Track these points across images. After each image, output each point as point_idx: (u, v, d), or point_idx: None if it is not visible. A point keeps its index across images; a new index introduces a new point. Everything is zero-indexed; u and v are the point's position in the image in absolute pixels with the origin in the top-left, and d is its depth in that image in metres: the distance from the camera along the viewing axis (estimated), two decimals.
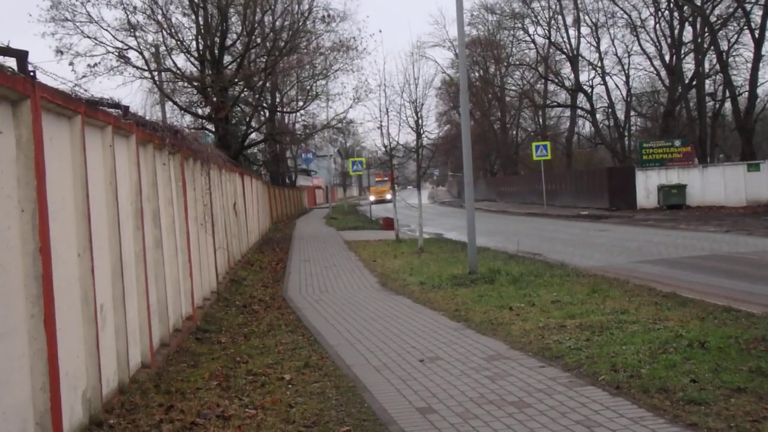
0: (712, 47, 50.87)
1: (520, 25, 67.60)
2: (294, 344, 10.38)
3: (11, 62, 5.51)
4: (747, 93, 49.55)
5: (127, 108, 9.11)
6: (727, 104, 53.00)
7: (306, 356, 9.53)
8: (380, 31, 45.28)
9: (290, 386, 8.08)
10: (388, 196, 45.11)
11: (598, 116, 64.08)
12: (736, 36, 51.47)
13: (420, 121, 27.70)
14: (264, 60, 36.13)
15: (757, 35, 46.73)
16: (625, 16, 57.58)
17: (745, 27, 48.92)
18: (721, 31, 50.79)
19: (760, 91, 50.30)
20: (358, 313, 12.73)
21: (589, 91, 63.45)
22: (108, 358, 7.32)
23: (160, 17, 33.16)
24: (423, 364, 8.85)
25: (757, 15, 47.15)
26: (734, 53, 52.03)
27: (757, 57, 47.34)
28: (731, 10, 49.63)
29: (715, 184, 42.37)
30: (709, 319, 10.35)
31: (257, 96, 39.60)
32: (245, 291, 16.10)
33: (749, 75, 49.13)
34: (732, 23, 50.73)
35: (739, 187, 41.40)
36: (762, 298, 12.49)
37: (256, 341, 10.70)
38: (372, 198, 62.87)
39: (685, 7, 51.62)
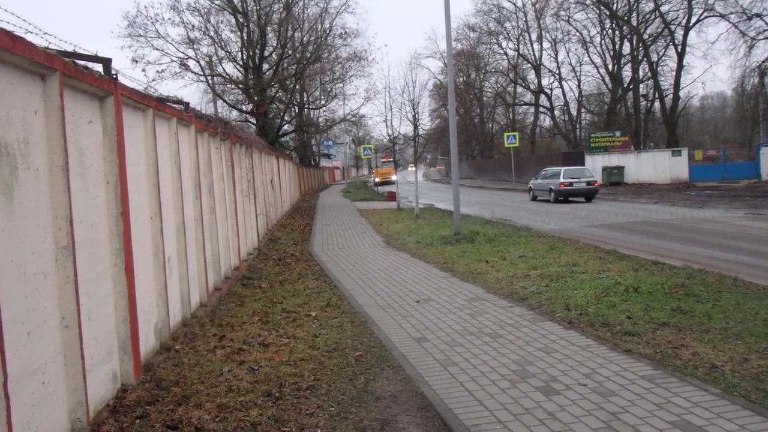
0: (645, 59, 51.84)
1: (495, 40, 67.53)
2: (318, 289, 10.40)
3: (98, 67, 5.50)
4: (672, 95, 50.39)
5: (187, 104, 9.07)
6: (657, 103, 53.39)
7: (328, 298, 9.55)
8: (386, 45, 45.63)
9: (315, 321, 8.11)
10: (394, 177, 44.65)
11: (556, 112, 64.38)
12: (663, 50, 52.14)
13: (416, 116, 27.78)
14: (294, 67, 36.13)
15: (679, 50, 48.41)
16: (578, 33, 57.88)
17: (671, 43, 50.40)
18: (652, 46, 51.66)
19: (682, 93, 51.31)
20: (368, 265, 12.74)
21: (549, 92, 64.07)
22: (174, 299, 7.36)
23: (212, 33, 33.49)
24: (419, 304, 8.87)
25: (680, 34, 48.48)
26: (662, 64, 52.56)
27: (680, 67, 48.69)
28: (660, 29, 50.57)
29: (647, 166, 42.42)
30: (642, 270, 10.39)
31: (289, 96, 39.67)
32: (280, 247, 16.13)
33: (674, 81, 50.09)
34: (660, 40, 51.43)
35: (665, 169, 41.49)
36: (681, 254, 12.51)
37: (288, 286, 10.72)
38: (377, 179, 59.89)
39: (624, 27, 52.22)
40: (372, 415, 4.97)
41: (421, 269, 11.88)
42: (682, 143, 49.29)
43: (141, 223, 6.29)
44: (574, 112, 63.72)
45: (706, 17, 46.32)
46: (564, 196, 29.94)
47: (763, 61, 41.04)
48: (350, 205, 32.86)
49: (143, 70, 31.13)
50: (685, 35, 47.93)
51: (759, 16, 40.11)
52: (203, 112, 11.39)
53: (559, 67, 62.45)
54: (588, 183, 29.88)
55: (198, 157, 9.03)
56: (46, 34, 4.73)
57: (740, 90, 47.67)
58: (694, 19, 47.29)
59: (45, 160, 4.24)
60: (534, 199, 33.10)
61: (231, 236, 11.57)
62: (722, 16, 43.51)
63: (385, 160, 54.38)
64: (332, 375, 5.92)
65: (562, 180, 29.80)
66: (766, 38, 40.10)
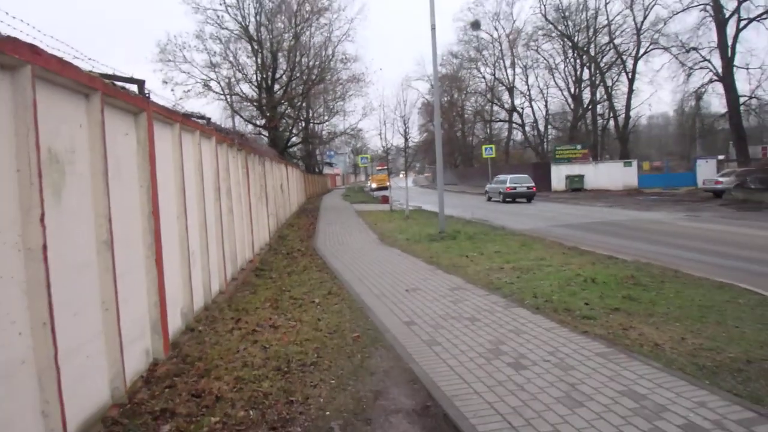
0: (601, 83, 52.84)
1: (474, 66, 67.35)
2: (321, 279, 10.38)
3: (134, 87, 5.53)
4: (624, 114, 51.18)
5: (209, 119, 9.10)
6: (611, 122, 53.92)
7: (329, 287, 9.53)
8: (381, 69, 45.64)
9: (319, 307, 8.12)
10: (388, 184, 45.41)
11: (527, 128, 64.48)
12: (617, 76, 53.21)
13: (407, 130, 27.82)
14: (301, 88, 36.19)
15: (630, 76, 49.70)
16: (545, 61, 58.26)
17: (623, 71, 51.22)
18: (607, 73, 52.86)
19: (632, 113, 52.03)
20: (364, 259, 12.74)
21: (521, 111, 64.18)
22: (197, 286, 7.39)
23: (231, 58, 33.76)
24: (408, 293, 8.87)
25: (630, 63, 49.81)
26: (616, 88, 53.44)
27: (630, 90, 50.07)
28: (614, 59, 51.64)
29: (603, 174, 42.60)
30: (598, 263, 10.43)
31: (297, 112, 39.71)
32: (288, 243, 16.10)
33: (625, 102, 50.91)
34: (614, 68, 52.60)
35: (618, 177, 41.76)
36: (631, 250, 12.55)
37: (295, 277, 10.71)
38: (374, 185, 59.94)
39: (584, 56, 53.16)
40: (367, 388, 5.01)
41: (410, 263, 11.87)
42: (633, 155, 49.71)
43: (169, 221, 6.32)
44: (542, 128, 63.91)
45: (652, 49, 47.03)
46: (511, 197, 32.82)
47: (699, 87, 41.72)
48: (349, 207, 32.79)
49: (172, 90, 31.24)
50: (635, 64, 49.10)
51: (695, 49, 40.81)
52: (223, 125, 11.41)
53: (529, 90, 62.79)
54: (528, 188, 32.68)
55: (218, 165, 9.06)
56: (90, 59, 4.76)
57: (680, 111, 48.36)
58: (642, 51, 48.30)
59: (88, 167, 4.28)
60: (489, 199, 35.60)
61: (246, 233, 11.58)
62: (665, 49, 44.18)
63: (379, 168, 54.31)
64: (333, 353, 5.94)
65: (508, 185, 32.82)
66: (701, 68, 40.84)
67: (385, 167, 41.34)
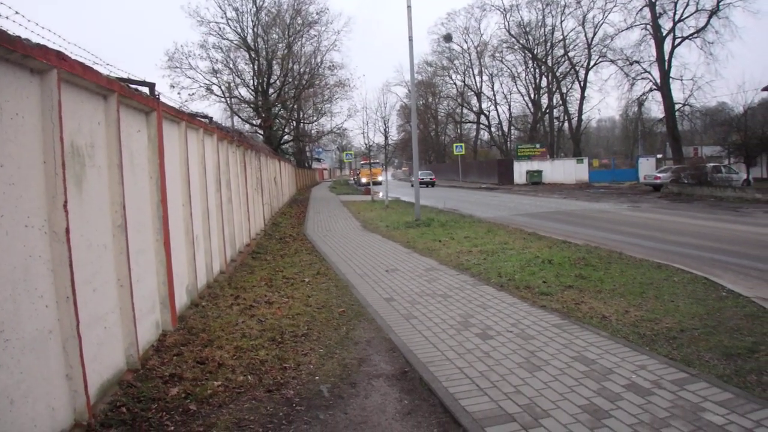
0: (557, 90, 53.44)
1: (447, 74, 67.53)
2: (310, 261, 10.35)
3: (145, 89, 5.45)
4: (576, 118, 51.76)
5: (211, 118, 9.00)
6: (566, 124, 54.45)
7: (318, 268, 9.51)
8: (364, 75, 45.43)
9: (309, 285, 8.11)
10: (380, 178, 46.63)
11: (493, 129, 65.06)
12: (571, 84, 53.83)
13: (386, 129, 27.96)
14: (293, 91, 36.00)
15: (582, 85, 50.54)
16: (508, 70, 58.67)
17: (576, 80, 51.87)
18: (562, 81, 53.34)
19: (584, 117, 52.67)
20: (349, 243, 12.73)
21: (488, 114, 64.60)
22: (200, 267, 7.35)
23: (231, 65, 33.70)
24: (387, 273, 8.90)
25: (582, 73, 50.43)
26: (570, 95, 53.92)
27: (582, 97, 50.87)
28: (568, 69, 52.24)
29: (559, 170, 43.04)
30: (554, 247, 10.54)
31: (289, 113, 39.41)
32: (281, 230, 16.01)
33: (578, 107, 51.48)
34: (569, 77, 53.09)
35: (572, 172, 42.21)
36: (583, 236, 12.69)
37: (287, 259, 10.68)
38: (364, 180, 60.39)
39: (542, 67, 53.56)
40: (352, 355, 5.04)
41: (390, 246, 11.88)
42: (584, 154, 50.37)
43: (175, 208, 6.27)
44: (506, 129, 64.39)
45: (600, 61, 47.76)
46: (424, 184, 42.58)
47: (641, 95, 42.47)
48: (335, 198, 32.63)
49: (179, 93, 31.20)
50: (586, 74, 49.82)
51: (637, 62, 41.63)
52: (223, 125, 11.30)
53: (494, 95, 63.26)
54: (430, 178, 44.90)
55: (219, 159, 8.98)
56: (108, 64, 4.68)
57: (625, 116, 49.02)
58: (592, 63, 48.95)
59: (105, 160, 4.23)
60: (411, 185, 44.24)
61: (243, 220, 11.51)
62: (612, 61, 44.92)
63: (363, 162, 54.41)
64: (321, 325, 5.95)
65: (419, 177, 40.79)
66: (642, 79, 41.71)
67: (368, 162, 41.59)
